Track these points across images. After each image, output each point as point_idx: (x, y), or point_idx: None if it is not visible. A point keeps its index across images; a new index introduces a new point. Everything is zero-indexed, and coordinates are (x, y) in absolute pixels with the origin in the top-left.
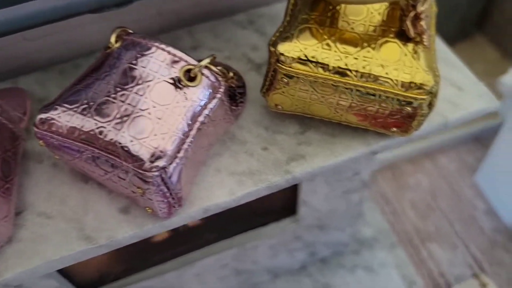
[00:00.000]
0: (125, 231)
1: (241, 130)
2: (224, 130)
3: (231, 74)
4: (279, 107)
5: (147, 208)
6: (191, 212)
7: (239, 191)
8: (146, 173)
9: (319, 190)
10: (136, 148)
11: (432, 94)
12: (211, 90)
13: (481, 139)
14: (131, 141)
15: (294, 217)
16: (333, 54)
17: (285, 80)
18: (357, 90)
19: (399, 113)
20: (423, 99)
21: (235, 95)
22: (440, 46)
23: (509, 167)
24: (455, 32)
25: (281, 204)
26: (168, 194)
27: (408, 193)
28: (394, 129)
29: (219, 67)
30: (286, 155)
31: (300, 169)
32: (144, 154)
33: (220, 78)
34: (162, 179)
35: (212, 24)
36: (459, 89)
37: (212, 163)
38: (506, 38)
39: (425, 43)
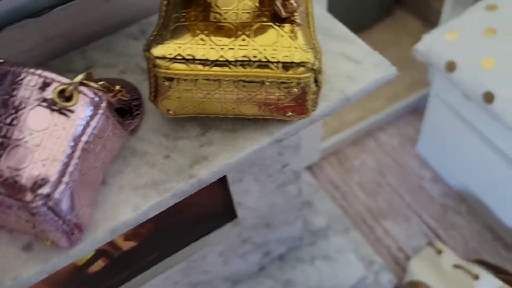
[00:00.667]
0: (30, 268)
1: (141, 142)
2: (120, 145)
3: (117, 87)
4: (171, 112)
5: (45, 241)
6: (97, 236)
7: (144, 204)
8: (30, 204)
9: (251, 188)
10: (16, 179)
11: (315, 70)
12: (92, 107)
13: (417, 109)
14: (10, 173)
15: (235, 220)
16: (209, 48)
17: (167, 84)
18: (240, 81)
19: (289, 96)
20: (306, 77)
21: (130, 108)
22: (330, 22)
23: (443, 132)
24: (377, 11)
25: (220, 210)
26: (60, 222)
27: (355, 175)
28: (290, 113)
29: (100, 82)
30: (189, 159)
31: (204, 171)
32: (25, 185)
33: (100, 94)
34: (49, 208)
35: (104, 41)
36: (356, 62)
37: (114, 181)
38: (424, 8)
39: (297, 21)
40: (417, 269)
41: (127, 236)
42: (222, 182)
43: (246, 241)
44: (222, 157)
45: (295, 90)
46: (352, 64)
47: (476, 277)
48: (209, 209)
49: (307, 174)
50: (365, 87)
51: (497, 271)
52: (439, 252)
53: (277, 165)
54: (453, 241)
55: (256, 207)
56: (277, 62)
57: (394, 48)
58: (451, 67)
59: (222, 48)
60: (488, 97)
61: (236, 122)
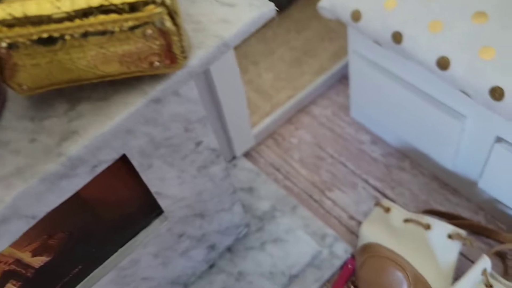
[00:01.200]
0: None
1: (4, 131)
2: None
3: None
4: (24, 87)
5: None
6: None
7: (7, 195)
8: None
9: (166, 175)
10: None
11: (167, 7)
12: None
13: (345, 77)
14: None
15: (162, 215)
16: (43, 2)
17: (5, 52)
18: (86, 35)
19: (147, 42)
20: (158, 14)
21: None
22: None
23: (368, 89)
24: None
25: (142, 207)
26: None
27: (295, 153)
28: (157, 63)
29: None
30: (57, 137)
31: (75, 147)
32: None
33: None
34: None
35: None
36: (230, 6)
37: None
38: None
39: None
40: (368, 232)
41: (35, 251)
42: (133, 174)
43: (182, 236)
44: (94, 129)
45: (150, 31)
46: (226, 8)
47: (428, 227)
48: (129, 208)
49: (245, 161)
50: (242, 29)
51: (448, 217)
52: (387, 210)
53: (189, 144)
54: (402, 197)
55: (180, 196)
56: (122, 4)
57: (316, 22)
58: (356, 16)
59: (58, 0)
60: (397, 37)
61: (107, 89)
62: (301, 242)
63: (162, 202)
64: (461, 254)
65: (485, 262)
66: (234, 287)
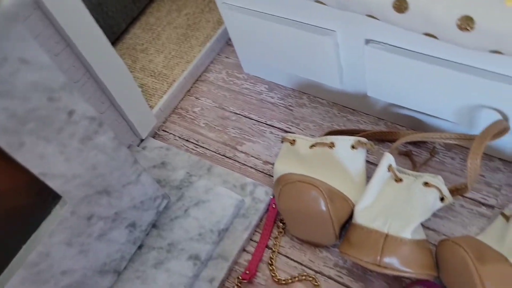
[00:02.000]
0: None
1: None
2: None
3: None
4: None
5: None
6: None
7: None
8: None
9: (45, 152)
10: None
11: None
12: None
13: (230, 38)
14: None
15: (62, 200)
16: None
17: None
18: None
19: None
20: None
21: None
22: None
23: (246, 36)
24: None
25: (38, 194)
26: None
27: (200, 121)
28: None
29: None
30: None
31: None
32: None
33: None
34: None
35: None
36: None
37: None
38: None
39: None
40: (280, 167)
41: None
42: (7, 158)
43: (91, 218)
44: None
45: None
46: None
47: (332, 145)
48: (20, 198)
49: (154, 141)
50: None
51: (350, 133)
52: (293, 142)
53: (60, 114)
54: (308, 130)
55: (71, 174)
56: None
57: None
58: None
59: None
60: None
61: None
62: (222, 197)
63: (52, 184)
64: (371, 163)
65: (388, 159)
66: (168, 259)
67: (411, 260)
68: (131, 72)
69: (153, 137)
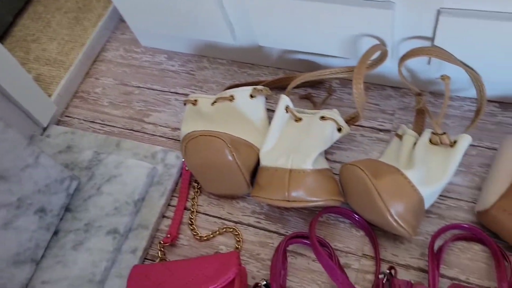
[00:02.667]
0: None
1: None
2: None
3: None
4: None
5: None
6: None
7: None
8: None
9: None
10: None
11: None
12: None
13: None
14: None
15: None
16: None
17: None
18: None
19: None
20: None
21: None
22: None
23: (134, 8)
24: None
25: None
26: None
27: (104, 100)
28: None
29: None
30: None
31: None
32: None
33: None
34: None
35: None
36: None
37: None
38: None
39: None
40: (185, 129)
41: None
42: None
43: None
44: None
45: None
46: None
47: (231, 98)
48: None
49: (57, 127)
50: None
51: (250, 85)
52: (194, 102)
53: None
54: (211, 91)
55: None
56: None
57: None
58: None
59: None
60: None
61: None
62: (133, 169)
63: None
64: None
65: (284, 101)
66: (87, 238)
67: (316, 189)
68: (25, 63)
69: (57, 124)
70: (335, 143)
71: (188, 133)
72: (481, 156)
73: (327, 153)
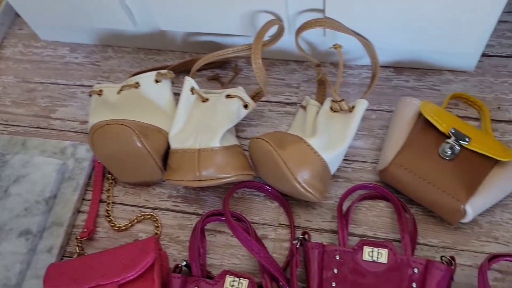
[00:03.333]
0: None
1: None
2: None
3: None
4: None
5: None
6: None
7: None
8: None
9: None
10: None
11: None
12: None
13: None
14: None
15: None
16: None
17: None
18: None
19: None
20: None
21: None
22: None
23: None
24: None
25: None
26: None
27: (5, 99)
28: None
29: None
30: None
31: None
32: None
33: None
34: None
35: None
36: None
37: None
38: None
39: None
40: (92, 120)
41: None
42: None
43: None
44: None
45: None
46: None
47: (137, 85)
48: None
49: None
50: None
51: (153, 70)
52: (100, 92)
53: None
54: (118, 80)
55: None
56: None
57: None
58: None
59: None
60: None
61: None
62: (41, 166)
63: None
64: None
65: (189, 82)
66: None
67: (226, 165)
68: None
69: None
70: (244, 120)
71: (95, 123)
72: (381, 119)
73: (238, 131)
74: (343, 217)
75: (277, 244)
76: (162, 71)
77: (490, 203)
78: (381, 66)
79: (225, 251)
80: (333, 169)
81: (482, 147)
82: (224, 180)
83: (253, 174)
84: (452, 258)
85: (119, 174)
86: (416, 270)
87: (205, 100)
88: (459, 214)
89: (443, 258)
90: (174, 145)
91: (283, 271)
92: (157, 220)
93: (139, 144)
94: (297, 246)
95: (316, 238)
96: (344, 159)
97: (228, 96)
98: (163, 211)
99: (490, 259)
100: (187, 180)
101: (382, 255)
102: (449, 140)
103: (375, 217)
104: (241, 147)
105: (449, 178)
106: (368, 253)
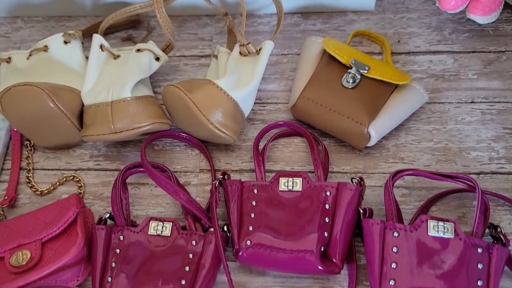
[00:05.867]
0: None
1: None
2: None
3: None
4: None
5: None
6: None
7: None
8: None
9: None
10: None
11: None
12: None
13: None
14: None
15: None
16: None
17: None
18: None
19: None
20: None
21: None
22: None
23: None
24: None
25: None
26: None
27: None
28: None
29: None
30: None
31: None
32: None
33: None
34: None
35: None
36: None
37: None
38: None
39: None
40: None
41: None
42: None
43: None
44: None
45: None
46: None
47: (46, 48)
48: None
49: None
50: None
51: None
52: (8, 60)
53: None
54: None
55: None
56: None
57: None
58: None
59: None
60: None
61: None
62: None
63: None
64: None
65: (97, 40)
66: None
67: (140, 114)
68: None
69: None
70: (160, 76)
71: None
72: (292, 62)
73: (155, 87)
74: (259, 155)
75: (200, 188)
76: (69, 31)
77: (391, 125)
78: (289, 13)
79: (150, 201)
80: (246, 110)
81: (380, 74)
82: (140, 130)
83: (169, 123)
84: (361, 178)
85: (36, 139)
86: (328, 193)
87: (116, 57)
88: (364, 138)
89: (353, 180)
90: (87, 101)
91: (205, 211)
92: (79, 180)
93: (51, 104)
94: (216, 185)
95: (236, 178)
96: (258, 102)
97: (138, 50)
98: (86, 171)
99: (393, 176)
100: (103, 134)
101: (297, 184)
102: (350, 70)
103: (291, 153)
104: (155, 97)
105: (352, 105)
106: (284, 184)
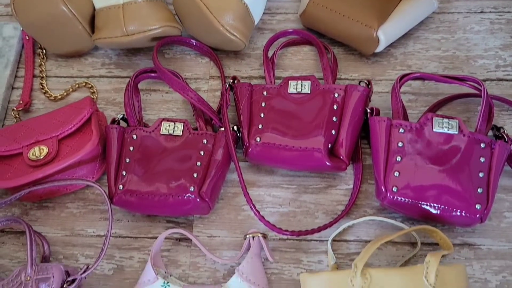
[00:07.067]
0: None
1: None
2: None
3: None
4: None
5: None
6: None
7: None
8: None
9: None
10: None
11: None
12: None
13: None
14: None
15: None
16: None
17: None
18: None
19: None
20: None
21: None
22: None
23: None
24: None
25: None
26: None
27: None
28: None
29: None
30: None
31: None
32: None
33: None
34: None
35: None
36: None
37: None
38: None
39: None
40: None
41: None
42: None
43: None
44: None
45: None
46: None
47: None
48: None
49: None
50: None
51: None
52: None
53: None
54: None
55: None
56: None
57: None
58: None
59: None
60: None
61: None
62: None
63: None
64: None
65: None
66: None
67: (151, 17)
68: None
69: None
70: None
71: None
72: None
73: None
74: (269, 60)
75: (210, 94)
76: None
77: (400, 30)
78: None
79: (161, 106)
80: (256, 15)
81: None
82: (151, 32)
83: (179, 27)
84: (369, 81)
85: (48, 44)
86: (337, 95)
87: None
88: (373, 42)
89: (361, 82)
90: (98, 4)
91: (216, 112)
92: (92, 86)
93: (63, 7)
94: (226, 88)
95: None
96: (268, 12)
97: None
98: (98, 78)
99: (400, 78)
100: (115, 36)
101: (306, 86)
102: None
103: (300, 61)
104: (164, 2)
105: (362, 9)
106: (293, 86)
